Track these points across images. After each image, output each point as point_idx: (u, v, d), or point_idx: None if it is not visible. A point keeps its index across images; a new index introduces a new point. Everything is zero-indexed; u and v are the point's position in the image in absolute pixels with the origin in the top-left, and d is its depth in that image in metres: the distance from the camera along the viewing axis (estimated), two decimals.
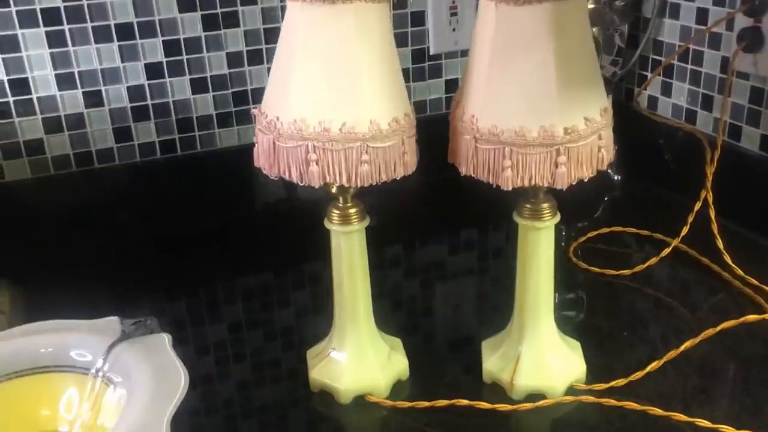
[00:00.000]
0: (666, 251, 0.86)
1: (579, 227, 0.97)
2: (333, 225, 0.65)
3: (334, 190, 0.63)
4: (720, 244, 0.85)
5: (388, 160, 0.59)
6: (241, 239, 1.00)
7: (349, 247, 0.65)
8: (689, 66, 1.03)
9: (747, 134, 0.95)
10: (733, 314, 0.75)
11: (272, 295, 0.88)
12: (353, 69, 0.57)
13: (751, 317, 0.70)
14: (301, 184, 0.59)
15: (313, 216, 0.69)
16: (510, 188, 0.59)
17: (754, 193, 0.92)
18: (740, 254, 0.85)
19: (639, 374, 0.67)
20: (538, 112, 0.57)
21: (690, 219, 0.87)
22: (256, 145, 0.61)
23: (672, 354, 0.68)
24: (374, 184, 0.59)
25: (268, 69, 0.99)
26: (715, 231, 0.85)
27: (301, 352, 0.72)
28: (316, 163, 0.58)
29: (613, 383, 0.67)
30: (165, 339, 0.66)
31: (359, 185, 0.59)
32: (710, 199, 0.87)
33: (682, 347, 0.68)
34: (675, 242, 0.87)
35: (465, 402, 0.65)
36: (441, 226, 1.02)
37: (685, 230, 0.87)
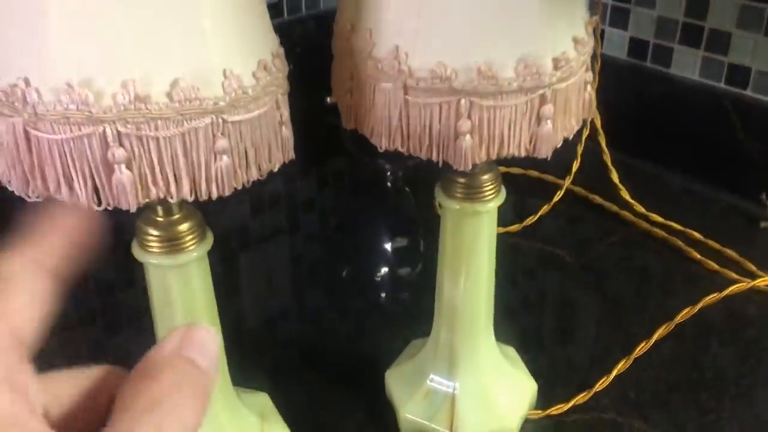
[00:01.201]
0: (558, 195, 0.69)
1: (438, 171, 0.76)
2: (151, 255, 0.36)
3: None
4: (616, 178, 0.70)
5: (259, 140, 0.32)
6: None
7: (184, 287, 0.38)
8: None
9: (610, 38, 0.80)
10: (689, 283, 0.60)
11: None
12: None
13: (734, 287, 0.55)
14: (98, 209, 0.30)
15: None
16: (469, 167, 0.35)
17: (634, 111, 0.78)
18: (636, 187, 0.70)
19: (605, 382, 0.49)
20: (514, 34, 0.33)
21: (580, 150, 0.70)
22: None
23: (642, 348, 0.51)
24: (239, 188, 0.32)
25: None
26: (609, 163, 0.70)
27: None
28: (127, 166, 0.29)
29: (575, 401, 0.48)
30: None
31: (215, 195, 0.31)
32: (599, 124, 0.70)
33: (654, 336, 0.51)
34: (567, 183, 0.70)
35: None
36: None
37: (576, 165, 0.70)
